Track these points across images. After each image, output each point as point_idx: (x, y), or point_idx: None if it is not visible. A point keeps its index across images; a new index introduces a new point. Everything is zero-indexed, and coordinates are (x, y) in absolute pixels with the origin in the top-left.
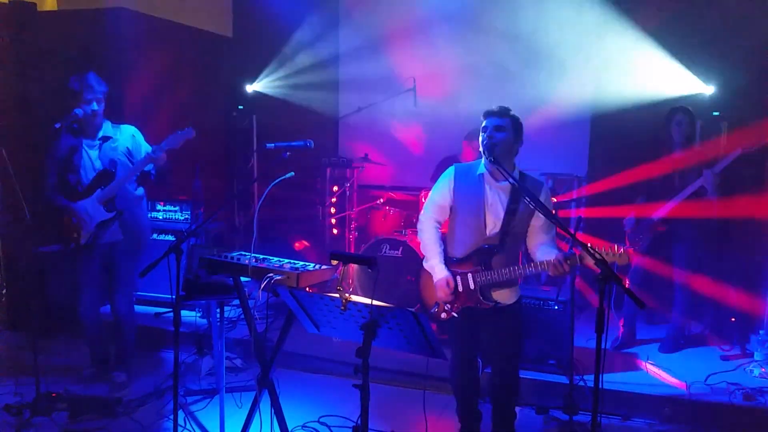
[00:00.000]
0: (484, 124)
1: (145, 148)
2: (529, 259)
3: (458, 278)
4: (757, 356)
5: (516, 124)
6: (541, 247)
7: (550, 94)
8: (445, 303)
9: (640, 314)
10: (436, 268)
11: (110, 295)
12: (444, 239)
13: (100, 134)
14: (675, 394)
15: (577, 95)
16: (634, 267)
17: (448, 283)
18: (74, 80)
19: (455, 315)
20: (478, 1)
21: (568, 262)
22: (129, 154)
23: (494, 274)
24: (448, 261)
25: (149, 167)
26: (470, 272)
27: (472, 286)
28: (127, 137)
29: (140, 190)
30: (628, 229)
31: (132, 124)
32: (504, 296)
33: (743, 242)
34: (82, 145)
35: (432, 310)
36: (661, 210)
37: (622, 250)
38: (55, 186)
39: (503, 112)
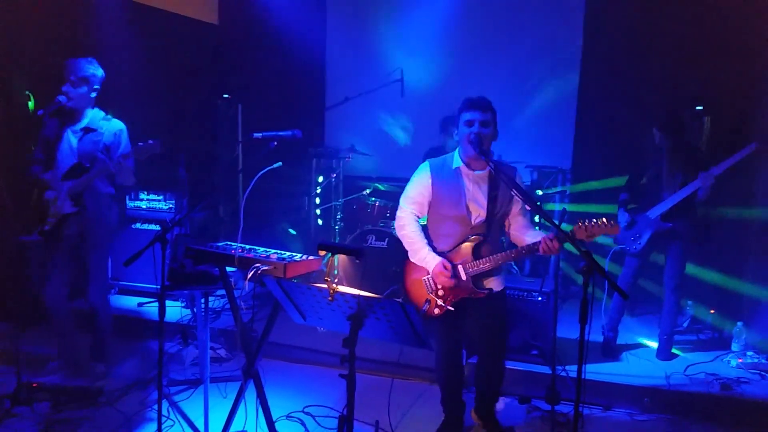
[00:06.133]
0: (468, 117)
1: (123, 149)
2: (512, 245)
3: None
4: (734, 347)
5: (495, 117)
6: (526, 230)
7: (536, 86)
8: (440, 295)
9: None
10: (428, 257)
11: (84, 286)
12: (427, 235)
13: (85, 123)
14: (655, 384)
15: (562, 88)
16: (627, 265)
17: (445, 267)
18: (65, 65)
19: (450, 308)
20: None
21: (558, 238)
22: (107, 151)
23: (485, 262)
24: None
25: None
26: (460, 264)
27: (464, 278)
28: (111, 133)
29: (110, 188)
30: (622, 226)
31: (115, 112)
32: (494, 283)
33: (725, 236)
34: (65, 131)
35: (423, 309)
36: (659, 208)
37: (612, 221)
38: (41, 161)
39: (487, 106)
